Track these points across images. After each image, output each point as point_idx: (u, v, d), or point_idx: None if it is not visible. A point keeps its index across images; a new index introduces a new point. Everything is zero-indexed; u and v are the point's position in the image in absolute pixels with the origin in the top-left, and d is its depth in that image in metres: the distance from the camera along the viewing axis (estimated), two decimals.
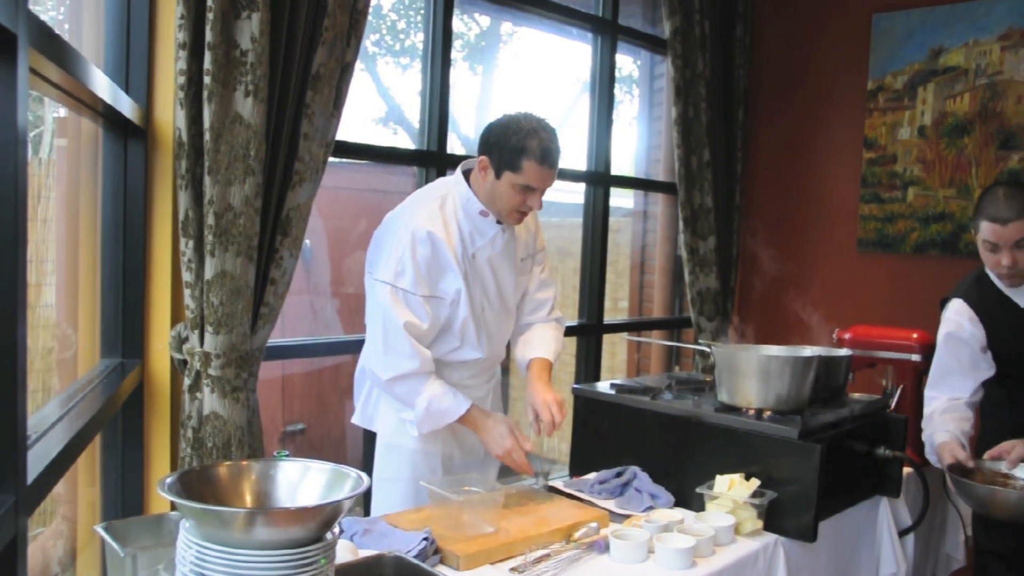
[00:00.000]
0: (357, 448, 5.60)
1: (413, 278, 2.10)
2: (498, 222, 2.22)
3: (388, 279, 2.11)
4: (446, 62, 3.03)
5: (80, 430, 1.52)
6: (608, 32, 3.72)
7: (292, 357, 3.03)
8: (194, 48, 2.07)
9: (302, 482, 1.30)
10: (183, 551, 1.18)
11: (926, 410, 2.52)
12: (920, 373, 2.68)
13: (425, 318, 2.14)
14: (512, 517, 1.90)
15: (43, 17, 1.59)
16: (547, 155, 2.09)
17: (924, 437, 2.48)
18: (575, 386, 2.53)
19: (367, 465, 2.39)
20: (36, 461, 1.27)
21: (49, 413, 1.63)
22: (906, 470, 2.41)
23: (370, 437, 2.39)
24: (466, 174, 2.23)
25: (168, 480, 1.20)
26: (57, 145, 2.19)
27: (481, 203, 2.19)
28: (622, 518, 1.98)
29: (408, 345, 2.10)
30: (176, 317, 2.23)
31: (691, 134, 3.80)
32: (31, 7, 1.10)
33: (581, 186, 3.77)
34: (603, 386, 2.47)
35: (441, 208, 2.18)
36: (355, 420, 2.38)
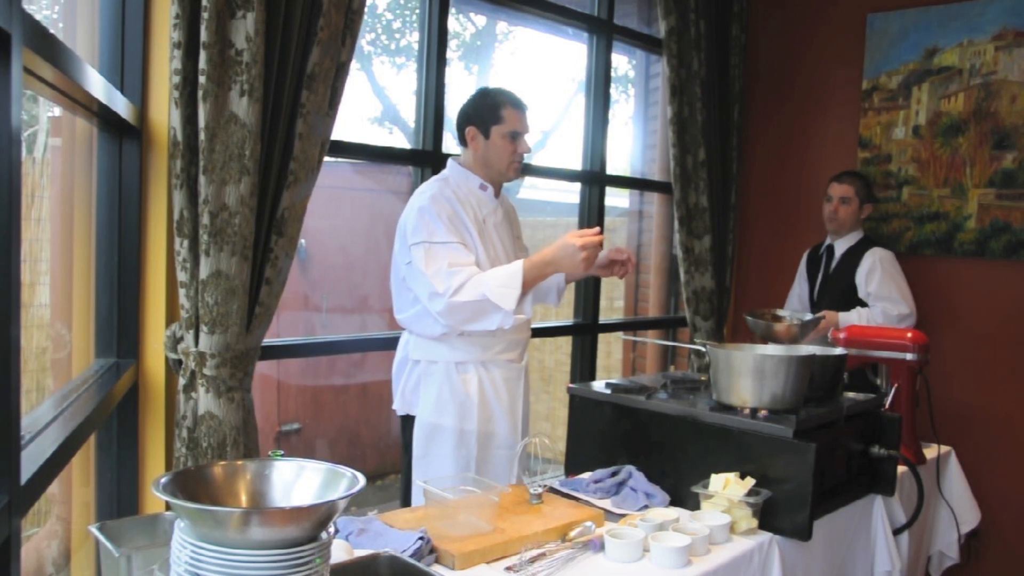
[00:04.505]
0: (355, 447, 5.59)
1: (445, 229, 2.30)
2: (496, 196, 2.51)
3: (423, 238, 2.30)
4: (441, 62, 3.03)
5: (74, 430, 1.52)
6: (604, 32, 3.72)
7: (287, 357, 3.03)
8: (189, 47, 2.06)
9: (297, 482, 1.30)
10: (178, 551, 1.18)
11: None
12: (915, 372, 2.69)
13: (468, 257, 2.30)
14: (508, 516, 1.91)
15: (37, 16, 1.59)
16: (517, 99, 2.48)
17: None
18: (571, 386, 2.53)
19: (405, 447, 2.52)
20: (30, 461, 1.27)
21: (43, 413, 1.63)
22: (900, 469, 2.42)
23: (406, 423, 2.52)
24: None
25: (163, 480, 1.20)
26: (51, 144, 2.18)
27: (479, 177, 2.48)
28: (617, 517, 1.99)
29: (452, 272, 2.24)
30: (171, 317, 2.22)
31: (686, 133, 3.80)
32: (25, 6, 1.09)
33: (576, 185, 3.77)
34: (599, 385, 2.47)
35: (446, 185, 2.45)
36: (395, 407, 2.55)
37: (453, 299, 2.23)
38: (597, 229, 2.27)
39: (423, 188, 2.45)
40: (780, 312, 3.11)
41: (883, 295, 3.29)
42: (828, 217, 3.47)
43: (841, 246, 3.49)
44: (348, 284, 5.36)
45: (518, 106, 2.46)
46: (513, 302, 2.21)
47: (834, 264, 3.49)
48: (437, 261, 2.26)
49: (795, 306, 3.63)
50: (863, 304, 3.33)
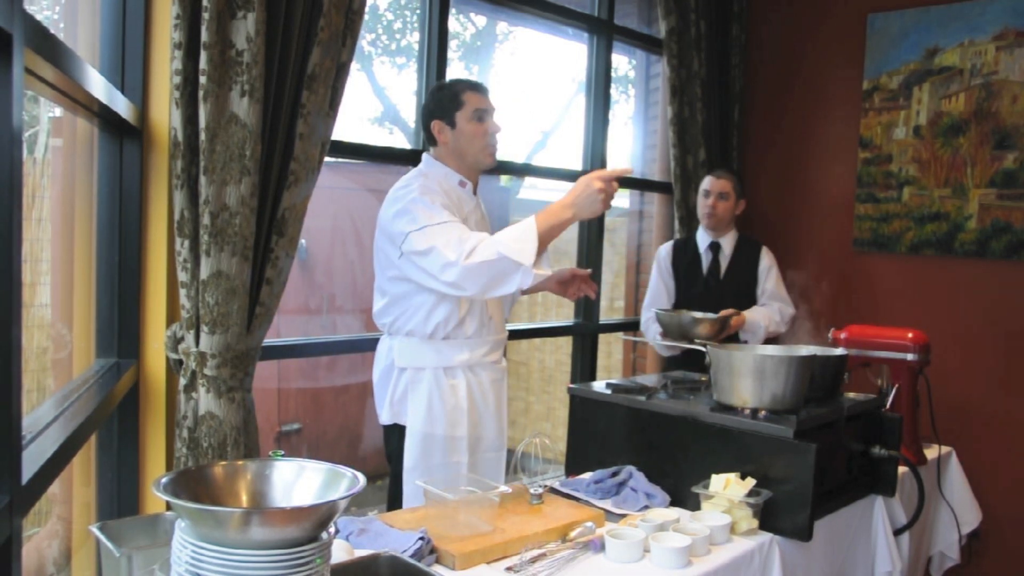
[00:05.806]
0: (355, 447, 5.59)
1: (446, 213, 2.22)
2: (474, 194, 2.47)
3: (424, 223, 2.18)
4: (442, 62, 3.03)
5: (75, 430, 1.52)
6: (604, 32, 3.72)
7: (287, 357, 3.02)
8: (190, 48, 2.06)
9: (297, 482, 1.30)
10: (178, 551, 1.18)
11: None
12: (916, 372, 2.69)
13: (474, 229, 2.23)
14: (508, 517, 1.91)
15: (38, 16, 1.59)
16: (475, 82, 2.44)
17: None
18: (571, 386, 2.53)
19: (394, 457, 2.47)
20: (31, 461, 1.27)
21: (44, 413, 1.63)
22: (901, 469, 2.42)
23: (393, 432, 2.46)
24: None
25: (163, 480, 1.20)
26: (52, 145, 2.18)
27: (455, 171, 2.42)
28: (618, 517, 1.99)
29: (463, 239, 2.14)
30: (172, 317, 2.22)
31: (687, 134, 3.80)
32: (26, 6, 1.09)
33: None
34: (599, 386, 2.47)
35: (428, 180, 2.35)
36: (383, 420, 2.46)
37: (468, 262, 2.09)
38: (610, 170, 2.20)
39: (405, 183, 2.34)
40: (695, 312, 2.94)
41: (778, 295, 3.41)
42: (706, 213, 3.43)
43: (728, 243, 3.49)
44: (349, 284, 5.36)
45: (477, 88, 2.41)
46: (531, 256, 2.08)
47: (726, 262, 3.48)
48: (445, 234, 2.16)
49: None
50: (742, 302, 3.33)
